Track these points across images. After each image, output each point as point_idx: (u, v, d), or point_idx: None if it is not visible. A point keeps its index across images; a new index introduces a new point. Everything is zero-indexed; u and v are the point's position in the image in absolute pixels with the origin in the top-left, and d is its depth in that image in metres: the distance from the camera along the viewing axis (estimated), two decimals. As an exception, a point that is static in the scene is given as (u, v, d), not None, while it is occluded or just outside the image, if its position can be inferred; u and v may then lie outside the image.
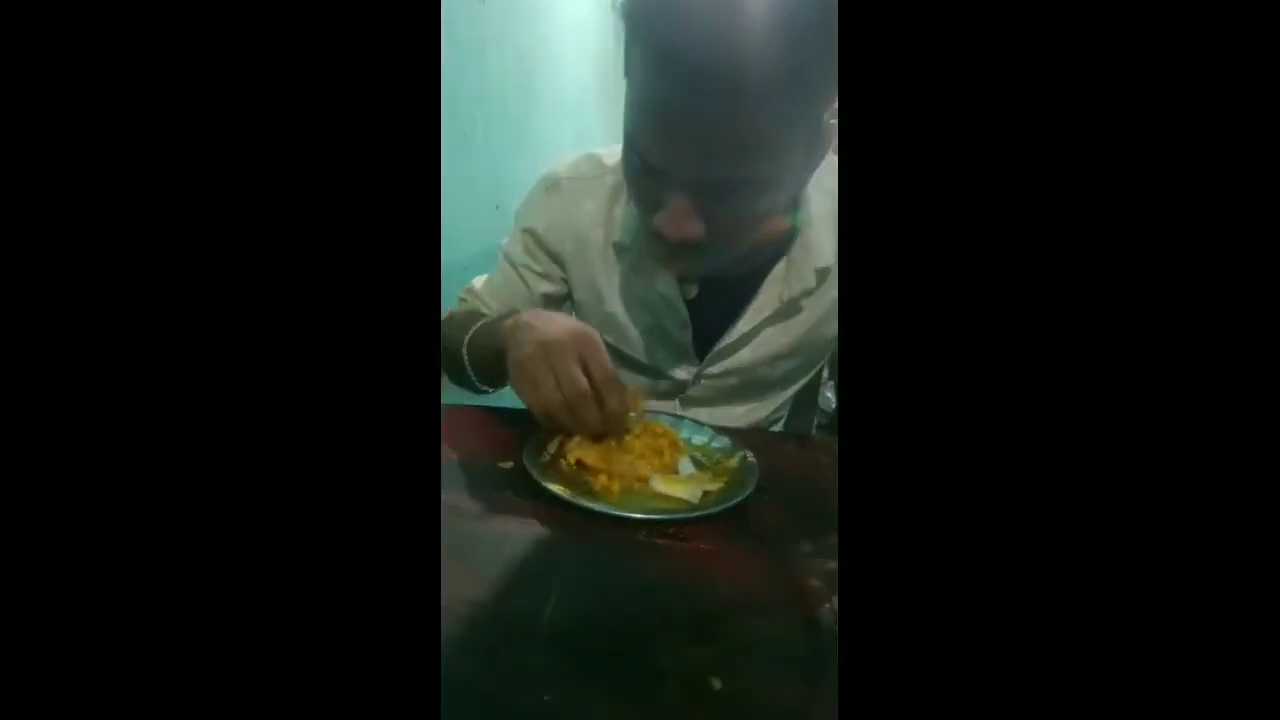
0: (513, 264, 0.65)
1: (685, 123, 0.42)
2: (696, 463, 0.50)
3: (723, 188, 0.44)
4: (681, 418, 0.57)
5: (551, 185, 0.63)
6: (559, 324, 0.48)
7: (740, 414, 0.68)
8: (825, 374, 0.76)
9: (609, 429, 0.47)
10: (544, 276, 0.65)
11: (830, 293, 0.62)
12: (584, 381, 0.45)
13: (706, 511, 0.42)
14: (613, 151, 0.61)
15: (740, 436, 0.53)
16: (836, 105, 0.45)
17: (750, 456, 0.49)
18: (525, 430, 0.50)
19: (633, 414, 0.49)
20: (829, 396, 0.94)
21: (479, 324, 0.57)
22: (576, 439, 0.48)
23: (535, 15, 1.38)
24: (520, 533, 0.40)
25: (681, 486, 0.45)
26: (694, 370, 0.65)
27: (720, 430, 0.54)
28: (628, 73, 0.45)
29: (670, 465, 0.48)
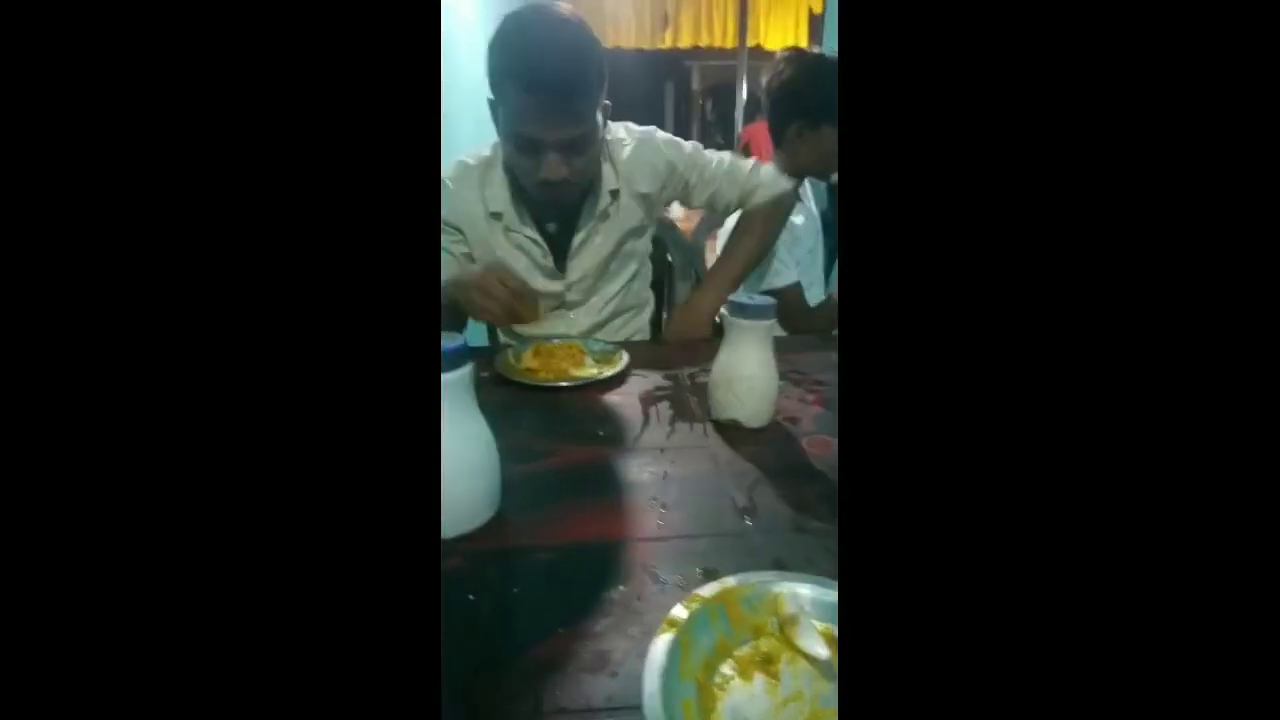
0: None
1: (550, 106, 0.81)
2: (594, 359, 0.87)
3: (572, 143, 0.84)
4: (587, 339, 0.95)
5: (442, 186, 0.99)
6: (478, 268, 0.87)
7: (614, 292, 1.06)
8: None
9: (528, 316, 0.82)
10: (458, 244, 1.01)
11: (623, 202, 1.00)
12: (505, 291, 0.80)
13: (601, 377, 0.80)
14: (472, 153, 1.00)
15: (619, 345, 0.91)
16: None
17: (625, 354, 0.86)
18: (494, 352, 0.86)
19: (542, 304, 0.85)
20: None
21: None
22: (528, 351, 0.84)
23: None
24: (496, 400, 0.76)
25: (586, 371, 0.82)
26: (564, 282, 1.03)
27: (608, 342, 0.92)
28: (498, 88, 0.83)
29: (580, 362, 0.85)
